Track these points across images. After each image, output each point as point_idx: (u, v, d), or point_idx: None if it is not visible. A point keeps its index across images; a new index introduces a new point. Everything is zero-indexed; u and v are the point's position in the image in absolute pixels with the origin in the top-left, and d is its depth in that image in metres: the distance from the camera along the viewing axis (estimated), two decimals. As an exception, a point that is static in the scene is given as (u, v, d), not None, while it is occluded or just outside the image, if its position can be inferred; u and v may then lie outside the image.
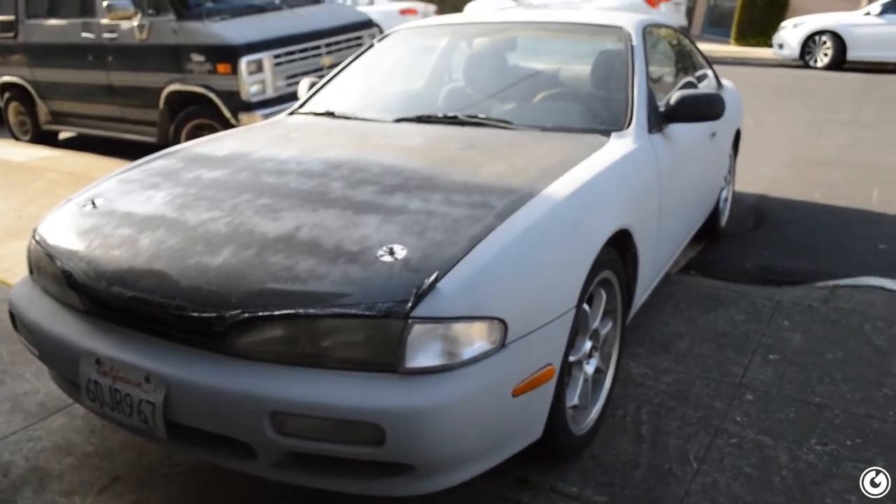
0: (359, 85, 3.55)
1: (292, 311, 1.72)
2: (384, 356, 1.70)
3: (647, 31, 3.34)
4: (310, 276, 1.79)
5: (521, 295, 1.86)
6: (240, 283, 1.81)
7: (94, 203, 2.37)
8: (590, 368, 2.37)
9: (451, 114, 2.99)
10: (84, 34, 6.50)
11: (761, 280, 3.95)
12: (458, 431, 1.72)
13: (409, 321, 1.68)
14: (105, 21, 6.30)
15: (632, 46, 3.11)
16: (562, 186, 2.24)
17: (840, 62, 12.15)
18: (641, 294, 2.82)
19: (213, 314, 1.77)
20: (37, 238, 2.30)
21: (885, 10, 11.87)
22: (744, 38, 15.99)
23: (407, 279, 1.74)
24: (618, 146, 2.64)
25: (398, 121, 3.03)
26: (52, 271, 2.16)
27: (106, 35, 6.35)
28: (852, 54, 12.04)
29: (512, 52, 3.64)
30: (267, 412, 1.69)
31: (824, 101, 9.40)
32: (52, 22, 6.80)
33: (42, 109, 7.30)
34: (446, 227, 1.95)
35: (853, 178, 5.90)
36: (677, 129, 3.03)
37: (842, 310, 3.45)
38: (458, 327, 1.71)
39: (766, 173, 6.02)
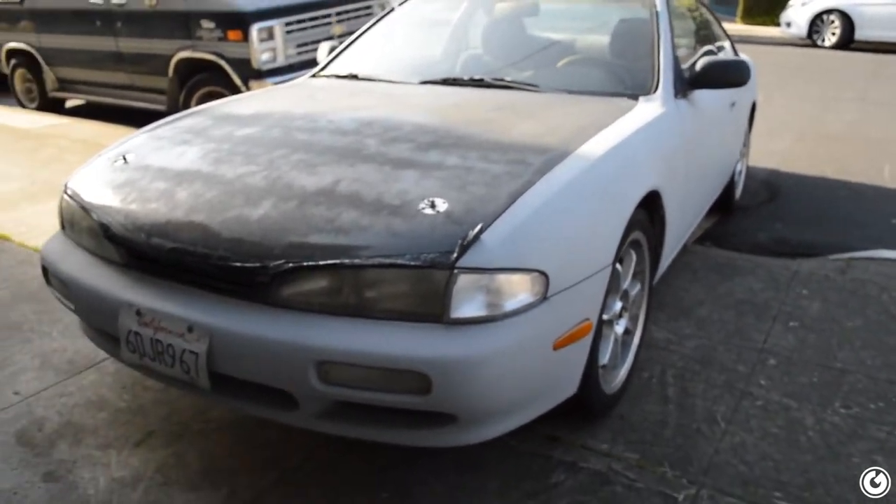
0: (381, 49, 3.52)
1: (337, 262, 1.73)
2: (429, 306, 1.71)
3: (670, -2, 3.32)
4: (353, 227, 1.80)
5: (561, 249, 1.86)
6: (282, 235, 1.81)
7: (125, 158, 2.37)
8: (620, 329, 2.38)
9: (477, 76, 2.98)
10: (92, 0, 6.44)
11: (776, 252, 3.95)
12: (501, 382, 1.74)
13: (455, 272, 1.68)
14: (114, -13, 6.25)
15: (656, 12, 3.09)
16: (596, 146, 2.24)
17: (848, 42, 12.07)
18: (667, 257, 2.83)
19: (257, 264, 1.78)
20: (69, 192, 2.29)
21: (894, -11, 11.80)
22: (750, 17, 15.88)
23: (451, 231, 1.74)
24: (647, 109, 2.63)
25: (423, 83, 3.02)
26: (87, 225, 2.16)
27: (114, 1, 6.28)
28: (860, 34, 11.96)
29: (535, 17, 3.61)
30: (313, 361, 1.70)
31: (833, 80, 9.36)
32: (60, -13, 6.74)
33: (49, 76, 7.23)
34: (486, 182, 1.95)
35: (864, 155, 5.89)
36: (701, 95, 3.03)
37: (858, 280, 3.46)
38: (502, 279, 1.72)
39: (777, 148, 6.01)
